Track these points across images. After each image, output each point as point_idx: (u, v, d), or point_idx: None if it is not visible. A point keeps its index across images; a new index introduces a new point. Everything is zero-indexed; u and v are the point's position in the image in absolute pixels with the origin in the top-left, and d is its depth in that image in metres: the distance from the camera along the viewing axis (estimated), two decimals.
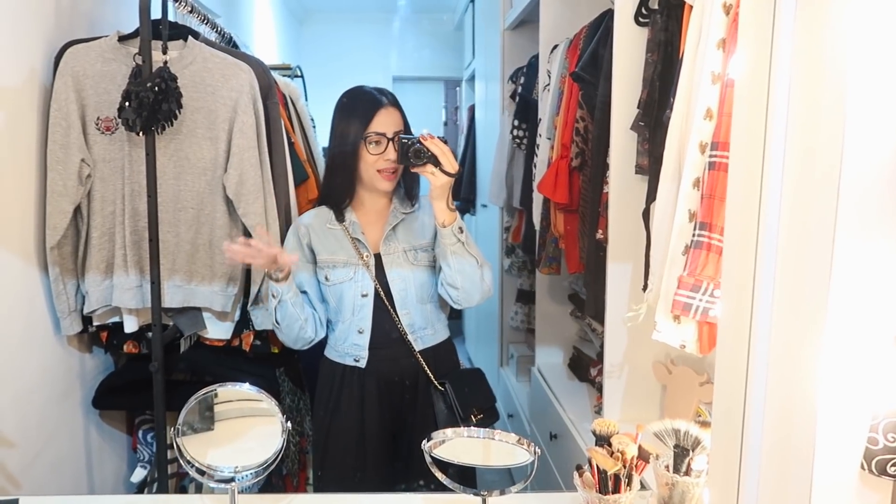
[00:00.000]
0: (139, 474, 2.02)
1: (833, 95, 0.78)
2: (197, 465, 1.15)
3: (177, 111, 1.70)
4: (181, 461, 1.14)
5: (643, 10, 1.59)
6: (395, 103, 1.73)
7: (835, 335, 0.80)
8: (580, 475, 1.16)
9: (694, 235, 1.20)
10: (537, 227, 2.48)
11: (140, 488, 2.03)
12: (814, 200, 0.82)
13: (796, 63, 0.85)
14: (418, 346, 1.75)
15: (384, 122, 1.68)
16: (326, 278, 1.74)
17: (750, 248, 0.93)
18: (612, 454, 1.11)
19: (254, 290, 1.89)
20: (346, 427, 1.76)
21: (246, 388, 1.15)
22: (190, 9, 1.92)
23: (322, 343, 1.82)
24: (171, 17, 1.78)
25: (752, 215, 0.93)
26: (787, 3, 0.85)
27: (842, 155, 0.77)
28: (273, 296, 1.65)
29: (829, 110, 0.79)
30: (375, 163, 1.68)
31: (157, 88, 1.65)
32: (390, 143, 1.68)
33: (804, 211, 0.84)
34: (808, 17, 0.83)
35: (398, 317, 1.73)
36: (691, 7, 1.33)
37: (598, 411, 2.06)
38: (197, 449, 1.18)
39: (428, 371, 1.75)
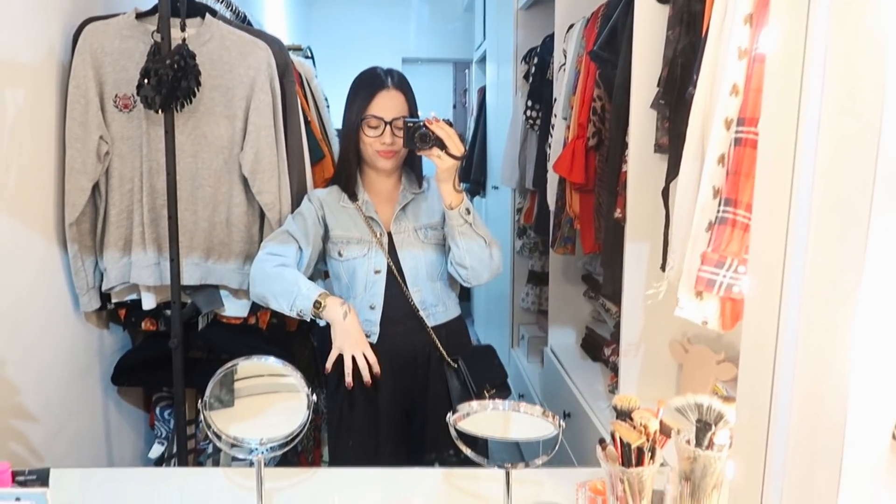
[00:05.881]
0: (156, 450, 2.05)
1: (873, 69, 0.78)
2: (224, 437, 1.16)
3: (195, 88, 1.70)
4: (209, 434, 1.15)
5: None
6: (400, 86, 1.74)
7: (868, 309, 0.80)
8: (603, 449, 1.17)
9: (718, 212, 1.19)
10: (552, 207, 2.47)
11: (157, 464, 2.05)
12: (849, 176, 0.81)
13: (833, 36, 0.84)
14: (430, 322, 1.77)
15: (382, 105, 1.70)
16: (339, 254, 1.75)
17: (780, 224, 0.93)
18: (634, 428, 1.12)
19: None
20: (360, 403, 1.77)
21: (272, 362, 1.16)
22: None
23: None
24: None
25: (784, 192, 0.92)
26: None
27: (880, 129, 0.77)
28: (299, 315, 1.63)
29: (868, 85, 0.78)
30: (373, 144, 1.72)
31: (175, 66, 1.65)
32: (388, 126, 1.70)
33: (838, 187, 0.84)
34: None
35: (410, 293, 1.75)
36: None
37: (613, 390, 2.07)
38: (221, 422, 1.20)
39: (440, 347, 1.76)
